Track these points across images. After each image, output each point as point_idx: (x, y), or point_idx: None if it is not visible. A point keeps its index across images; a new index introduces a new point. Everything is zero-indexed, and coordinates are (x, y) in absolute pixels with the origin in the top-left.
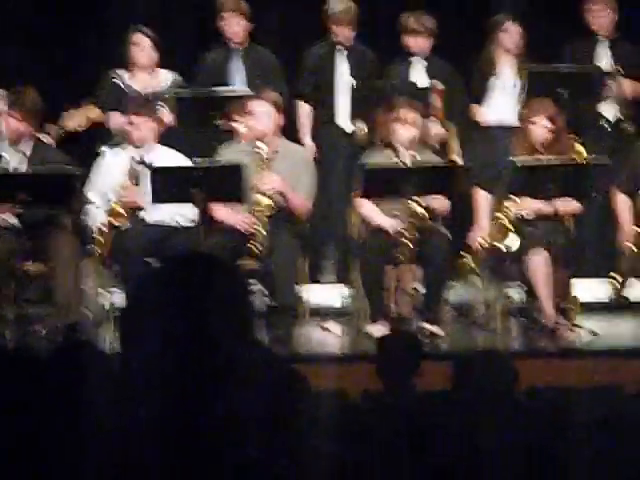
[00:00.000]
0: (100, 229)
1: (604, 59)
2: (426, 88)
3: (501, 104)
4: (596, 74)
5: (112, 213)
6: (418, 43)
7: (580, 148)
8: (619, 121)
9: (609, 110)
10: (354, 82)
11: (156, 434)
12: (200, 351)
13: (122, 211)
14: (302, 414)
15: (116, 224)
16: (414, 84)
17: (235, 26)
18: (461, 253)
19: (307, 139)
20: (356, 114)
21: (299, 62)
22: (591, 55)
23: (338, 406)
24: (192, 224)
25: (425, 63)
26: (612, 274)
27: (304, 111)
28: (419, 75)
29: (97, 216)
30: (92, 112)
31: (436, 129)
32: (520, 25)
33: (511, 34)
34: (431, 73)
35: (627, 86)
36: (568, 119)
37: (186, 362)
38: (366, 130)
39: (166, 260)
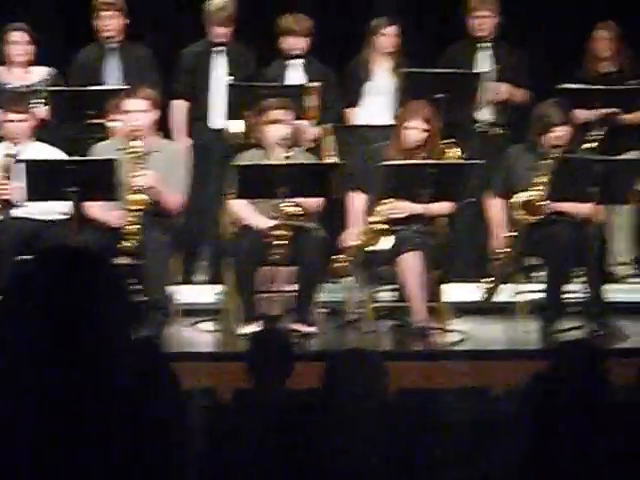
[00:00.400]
0: None
1: (485, 62)
2: (300, 87)
3: (375, 106)
4: (472, 77)
5: None
6: (295, 43)
7: (454, 151)
8: (494, 125)
9: (484, 113)
10: (231, 81)
11: (27, 433)
12: (75, 348)
13: None
14: (172, 412)
15: None
16: (288, 85)
17: (110, 22)
18: (334, 254)
19: (181, 136)
20: (232, 114)
21: (176, 61)
22: (471, 58)
23: (209, 405)
24: (64, 217)
25: (302, 63)
26: (484, 280)
27: (179, 109)
28: (295, 75)
29: None
30: None
31: (311, 129)
32: (398, 27)
33: (389, 37)
34: (308, 73)
35: (503, 90)
36: (444, 122)
37: (59, 359)
38: (242, 130)
39: (41, 253)
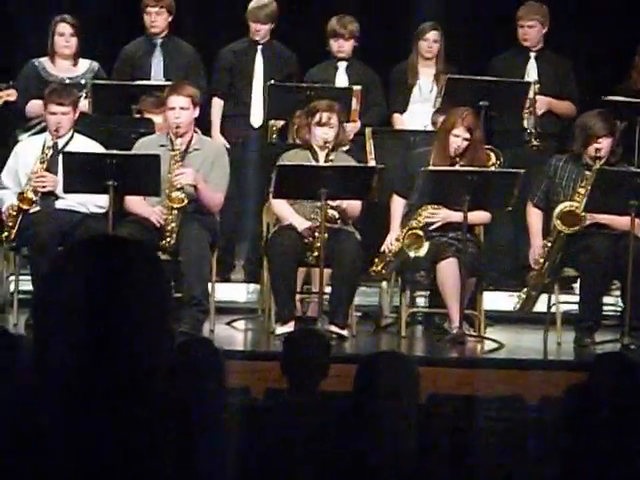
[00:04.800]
0: (10, 214)
1: (532, 73)
2: (342, 89)
3: (420, 112)
4: (516, 86)
5: (21, 198)
6: (340, 45)
7: (495, 159)
8: (537, 135)
9: (528, 124)
10: (271, 80)
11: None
12: (115, 340)
13: (32, 196)
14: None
15: (25, 208)
16: (335, 86)
17: (156, 18)
18: (372, 257)
19: (216, 134)
20: (272, 112)
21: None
22: (523, 67)
23: (242, 403)
24: (103, 210)
25: (346, 65)
26: (523, 290)
27: (217, 107)
28: (340, 77)
29: (9, 201)
30: (11, 96)
31: (352, 131)
32: (439, 33)
33: (429, 42)
34: (350, 76)
35: (542, 102)
36: (486, 130)
37: (101, 350)
38: (278, 127)
39: (80, 244)
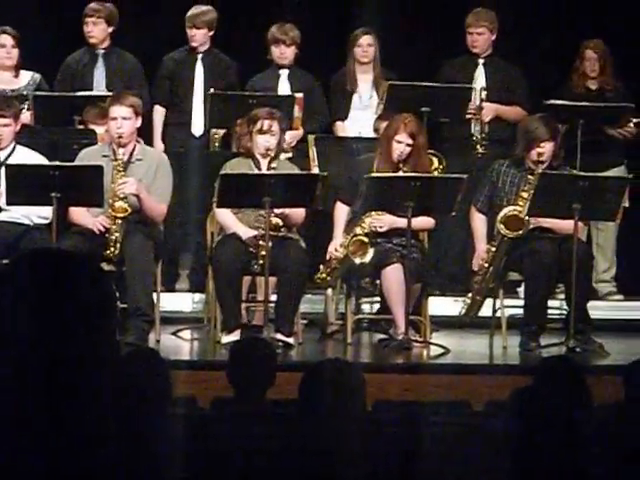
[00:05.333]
0: None
1: (481, 79)
2: (288, 97)
3: (361, 118)
4: (459, 93)
5: None
6: (282, 52)
7: (438, 164)
8: (483, 142)
9: (474, 130)
10: (211, 88)
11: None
12: (58, 354)
13: None
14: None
15: None
16: (277, 94)
17: (94, 28)
18: (317, 265)
19: (158, 143)
20: (213, 121)
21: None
22: (471, 74)
23: (189, 413)
24: (47, 222)
25: (288, 73)
26: (468, 295)
27: (159, 116)
28: (282, 85)
29: None
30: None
31: (294, 138)
32: (373, 37)
33: (363, 47)
34: (292, 83)
35: (488, 108)
36: (429, 136)
37: (43, 363)
38: (220, 136)
39: (25, 256)
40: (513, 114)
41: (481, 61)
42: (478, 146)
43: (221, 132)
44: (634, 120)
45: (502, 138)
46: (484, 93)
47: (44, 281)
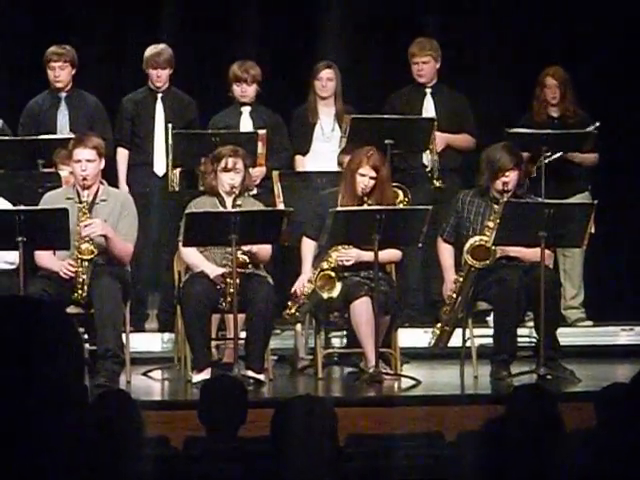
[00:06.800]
0: None
1: (430, 108)
2: (250, 134)
3: (323, 151)
4: (420, 124)
5: None
6: (243, 90)
7: (403, 197)
8: (438, 174)
9: (427, 161)
10: (170, 128)
11: None
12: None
13: None
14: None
15: None
16: (239, 131)
17: (60, 73)
18: (285, 300)
19: (123, 184)
20: (176, 160)
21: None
22: (419, 105)
23: (161, 453)
24: (13, 267)
25: (250, 110)
26: (437, 326)
27: (122, 157)
28: (244, 122)
29: None
30: None
31: (259, 175)
32: (333, 71)
33: (323, 80)
34: (255, 120)
35: (442, 138)
36: (392, 168)
37: (10, 410)
38: (178, 175)
39: None
40: (464, 143)
41: (428, 90)
42: (435, 180)
43: (178, 171)
44: (596, 123)
45: (454, 167)
46: (434, 123)
47: (9, 328)
